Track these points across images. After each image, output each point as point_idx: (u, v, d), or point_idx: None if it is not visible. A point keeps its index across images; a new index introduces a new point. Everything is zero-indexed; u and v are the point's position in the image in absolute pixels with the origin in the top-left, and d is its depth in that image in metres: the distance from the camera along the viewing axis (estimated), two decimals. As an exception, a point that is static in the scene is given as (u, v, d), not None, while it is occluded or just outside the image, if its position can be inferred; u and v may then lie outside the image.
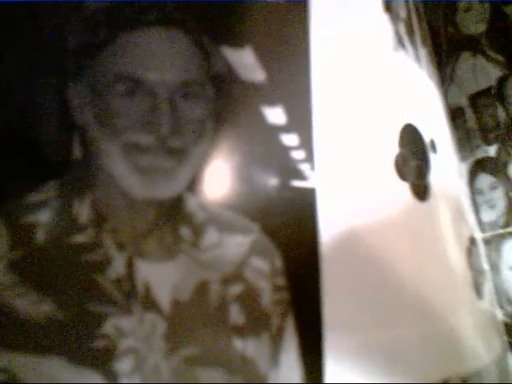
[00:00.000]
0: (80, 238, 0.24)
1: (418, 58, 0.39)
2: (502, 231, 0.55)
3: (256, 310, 0.25)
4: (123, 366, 0.23)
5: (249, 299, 0.25)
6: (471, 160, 0.57)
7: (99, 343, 0.23)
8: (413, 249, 0.31)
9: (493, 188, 0.56)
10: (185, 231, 0.25)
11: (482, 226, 0.56)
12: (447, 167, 0.38)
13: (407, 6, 0.40)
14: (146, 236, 0.25)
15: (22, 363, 0.22)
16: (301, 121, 0.28)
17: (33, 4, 0.25)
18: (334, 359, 0.26)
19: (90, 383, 0.22)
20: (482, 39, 0.57)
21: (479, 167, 0.57)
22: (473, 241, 0.38)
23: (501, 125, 0.56)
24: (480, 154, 0.57)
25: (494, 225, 0.56)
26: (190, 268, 0.25)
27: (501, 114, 0.55)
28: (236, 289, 0.25)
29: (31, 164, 0.24)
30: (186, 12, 0.26)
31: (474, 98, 0.57)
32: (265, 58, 0.27)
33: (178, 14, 0.26)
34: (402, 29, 0.37)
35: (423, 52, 0.41)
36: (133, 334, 0.23)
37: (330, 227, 0.27)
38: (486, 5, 0.56)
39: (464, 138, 0.58)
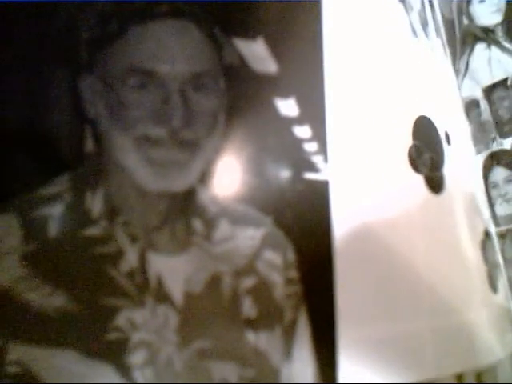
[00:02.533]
0: (92, 231, 0.24)
1: (431, 50, 0.38)
2: (517, 225, 0.55)
3: (268, 302, 0.25)
4: (136, 358, 0.23)
5: (261, 292, 0.25)
6: (486, 153, 0.56)
7: (112, 336, 0.23)
8: (427, 242, 0.30)
9: (508, 181, 0.55)
10: (197, 224, 0.25)
11: (496, 219, 0.55)
12: (462, 160, 0.38)
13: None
14: (159, 229, 0.25)
15: (35, 356, 0.22)
16: (314, 112, 0.28)
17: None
18: (347, 352, 0.25)
19: (103, 377, 0.22)
20: (497, 30, 0.56)
21: (494, 160, 0.56)
22: (487, 235, 0.38)
23: (516, 117, 0.55)
24: (495, 147, 0.56)
25: (509, 219, 0.55)
26: (203, 261, 0.25)
27: (516, 106, 0.55)
28: (248, 282, 0.25)
29: (43, 157, 0.25)
30: (198, 4, 0.26)
31: (489, 90, 0.56)
32: (277, 49, 0.27)
33: (189, 5, 0.26)
34: (416, 20, 0.36)
35: (437, 44, 0.41)
36: (145, 327, 0.23)
37: (343, 220, 0.27)
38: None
39: (479, 131, 0.57)
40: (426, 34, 0.38)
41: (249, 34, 0.27)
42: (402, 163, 0.30)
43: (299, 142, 0.27)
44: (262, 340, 0.25)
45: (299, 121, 0.27)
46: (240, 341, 0.24)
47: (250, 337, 0.24)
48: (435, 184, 0.32)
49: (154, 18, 0.25)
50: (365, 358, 0.26)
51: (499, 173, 0.56)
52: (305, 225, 0.26)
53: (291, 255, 0.26)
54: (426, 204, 0.31)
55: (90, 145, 0.25)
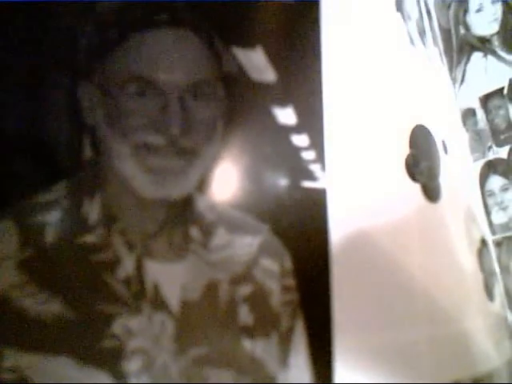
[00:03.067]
0: (89, 238, 0.24)
1: (429, 59, 0.38)
2: (513, 233, 0.55)
3: (265, 310, 0.25)
4: (132, 366, 0.23)
5: (258, 300, 0.25)
6: (482, 162, 0.57)
7: (108, 343, 0.23)
8: (423, 250, 0.30)
9: (504, 190, 0.56)
10: (194, 231, 0.25)
11: (492, 228, 0.55)
12: (459, 168, 0.38)
13: (418, 6, 0.39)
14: (156, 236, 0.25)
15: (30, 362, 0.22)
16: (311, 121, 0.28)
17: (45, 4, 0.25)
18: (344, 360, 0.25)
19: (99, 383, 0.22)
20: (493, 40, 0.56)
21: (490, 169, 0.56)
22: (484, 243, 0.38)
23: (512, 126, 0.55)
24: (491, 156, 0.56)
25: (505, 227, 0.55)
26: (199, 268, 0.25)
27: (512, 115, 0.55)
28: (245, 289, 0.25)
29: (41, 164, 0.25)
30: (197, 12, 0.26)
31: (486, 99, 0.57)
32: (275, 58, 0.27)
33: (188, 14, 0.26)
34: (413, 29, 0.37)
35: (434, 53, 0.41)
36: (141, 334, 0.23)
37: (340, 228, 0.27)
38: (498, 5, 0.56)
39: (475, 140, 0.57)
40: (424, 43, 0.38)
41: (248, 43, 0.27)
42: (398, 172, 0.30)
43: (297, 150, 0.27)
44: (258, 347, 0.25)
45: (297, 129, 0.27)
46: (236, 348, 0.24)
47: (247, 344, 0.24)
48: (432, 193, 0.32)
49: (154, 26, 0.25)
50: (361, 366, 0.26)
51: (495, 181, 0.56)
52: (302, 233, 0.26)
53: (288, 263, 0.26)
54: (422, 212, 0.31)
55: (88, 152, 0.25)
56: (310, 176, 0.27)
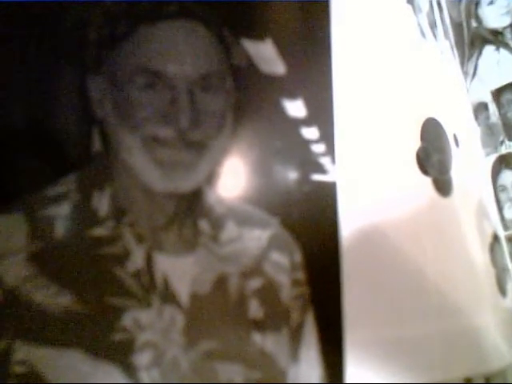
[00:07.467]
0: (99, 231, 0.24)
1: (440, 52, 0.38)
2: (525, 229, 0.54)
3: (275, 304, 0.25)
4: (142, 359, 0.23)
5: (268, 293, 0.25)
6: (494, 156, 0.56)
7: (118, 336, 0.23)
8: (435, 244, 0.30)
9: (517, 185, 0.55)
10: (204, 224, 0.25)
11: (505, 223, 0.55)
12: (470, 162, 0.38)
13: (429, -1, 0.39)
14: (165, 229, 0.25)
15: (40, 355, 0.22)
16: (321, 114, 0.28)
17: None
18: (354, 355, 0.25)
19: (109, 377, 0.22)
20: (505, 33, 0.56)
21: (503, 163, 0.56)
22: (496, 238, 0.38)
23: (525, 120, 0.55)
24: (503, 150, 0.56)
25: (517, 222, 0.55)
26: (209, 261, 0.25)
27: (525, 109, 0.55)
28: (255, 283, 0.25)
29: (50, 157, 0.25)
30: (206, 4, 0.26)
31: (498, 93, 0.56)
32: (285, 50, 0.27)
33: (198, 6, 0.26)
34: (424, 21, 0.36)
35: (445, 45, 0.41)
36: (151, 328, 0.23)
37: (350, 221, 0.27)
38: (510, -2, 0.56)
39: (487, 134, 0.57)
40: (435, 36, 0.38)
41: (257, 35, 0.27)
42: (410, 165, 0.30)
43: (307, 143, 0.27)
44: (268, 341, 0.25)
45: (307, 122, 0.27)
46: (246, 342, 0.24)
47: (257, 338, 0.24)
48: (443, 186, 0.32)
49: (163, 18, 0.25)
50: (372, 360, 0.26)
51: (508, 176, 0.56)
52: (312, 226, 0.26)
53: (298, 256, 0.26)
54: (433, 206, 0.31)
55: (97, 145, 0.25)
56: (320, 169, 0.27)
